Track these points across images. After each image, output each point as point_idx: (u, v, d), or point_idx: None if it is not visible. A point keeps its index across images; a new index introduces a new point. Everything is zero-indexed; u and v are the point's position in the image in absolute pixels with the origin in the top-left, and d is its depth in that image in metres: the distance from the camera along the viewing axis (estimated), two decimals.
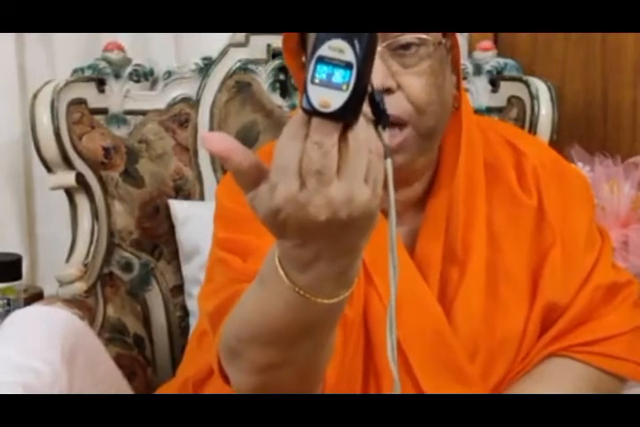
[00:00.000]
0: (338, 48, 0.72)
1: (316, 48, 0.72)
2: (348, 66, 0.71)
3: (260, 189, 0.76)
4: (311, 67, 0.72)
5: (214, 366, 1.04)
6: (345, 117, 0.72)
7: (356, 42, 0.71)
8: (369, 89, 0.75)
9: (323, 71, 0.72)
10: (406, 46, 1.05)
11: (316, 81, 0.72)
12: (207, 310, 1.08)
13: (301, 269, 0.80)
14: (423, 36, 1.05)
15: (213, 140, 0.75)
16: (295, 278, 0.81)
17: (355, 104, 0.72)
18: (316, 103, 0.72)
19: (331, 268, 0.79)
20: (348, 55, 0.71)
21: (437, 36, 1.07)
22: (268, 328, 0.88)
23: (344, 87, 0.71)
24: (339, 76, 0.71)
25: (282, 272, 0.81)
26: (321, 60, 0.72)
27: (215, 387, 1.19)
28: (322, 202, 0.73)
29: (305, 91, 0.72)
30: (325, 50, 0.72)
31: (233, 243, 1.11)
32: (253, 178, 0.76)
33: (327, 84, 0.71)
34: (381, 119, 0.79)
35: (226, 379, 1.03)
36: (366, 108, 0.77)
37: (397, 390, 0.90)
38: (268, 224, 0.77)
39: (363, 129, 0.74)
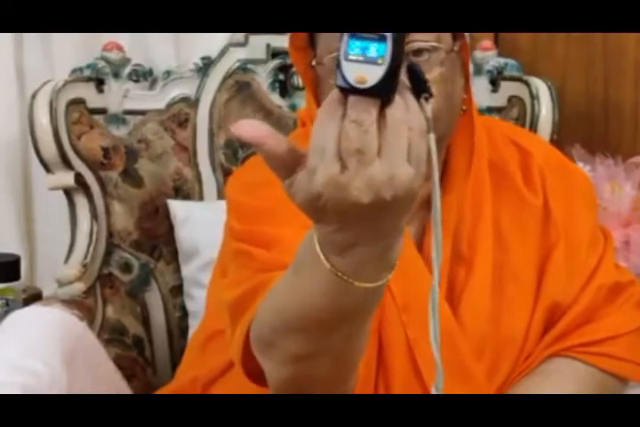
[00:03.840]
0: None
1: None
2: (382, 38, 0.70)
3: (297, 175, 0.74)
4: (343, 43, 0.70)
5: (236, 360, 1.03)
6: (383, 92, 0.70)
7: None
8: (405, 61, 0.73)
9: (356, 46, 0.70)
10: (418, 52, 1.05)
11: (350, 57, 0.70)
12: (227, 300, 1.06)
13: (341, 253, 0.78)
14: (435, 44, 1.05)
15: (244, 128, 0.73)
16: (335, 262, 0.79)
17: (392, 77, 0.70)
18: (352, 80, 0.70)
19: (371, 250, 0.78)
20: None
21: (449, 42, 1.07)
22: (305, 317, 0.87)
23: (380, 61, 0.69)
24: (373, 49, 0.70)
25: (322, 256, 0.79)
26: (354, 34, 0.70)
27: (224, 387, 1.20)
28: (364, 183, 0.71)
29: (339, 68, 0.70)
30: None
31: (252, 234, 1.09)
32: (289, 164, 0.74)
33: (362, 59, 0.70)
34: (423, 89, 0.76)
35: (248, 373, 1.02)
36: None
37: (439, 388, 0.89)
38: (308, 210, 0.75)
39: (400, 106, 0.72)
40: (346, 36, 0.70)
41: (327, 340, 0.89)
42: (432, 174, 0.79)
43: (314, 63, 1.10)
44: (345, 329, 0.88)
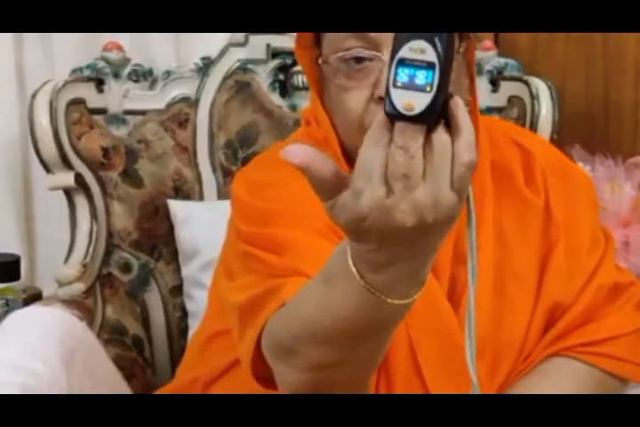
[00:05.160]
0: (419, 49, 0.71)
1: (395, 50, 0.72)
2: (430, 66, 0.71)
3: (341, 197, 0.75)
4: (392, 70, 0.71)
5: (245, 363, 1.03)
6: (430, 119, 0.72)
7: (437, 41, 0.71)
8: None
9: (404, 74, 0.71)
10: None
11: (399, 84, 0.71)
12: (236, 303, 1.06)
13: (376, 271, 0.79)
14: None
15: (293, 153, 0.74)
16: (369, 279, 0.80)
17: (439, 105, 0.71)
18: (400, 107, 0.71)
19: (406, 269, 0.79)
20: (430, 55, 0.71)
21: (455, 45, 1.07)
22: (333, 329, 0.87)
23: (427, 88, 0.71)
24: (421, 77, 0.71)
25: (356, 273, 0.80)
26: (402, 62, 0.71)
27: (225, 387, 1.21)
28: (409, 207, 0.73)
29: (387, 95, 0.72)
30: (406, 51, 0.71)
31: (260, 237, 1.09)
32: (333, 186, 0.76)
33: (410, 86, 0.71)
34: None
35: (256, 374, 1.02)
36: None
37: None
38: (350, 230, 0.77)
39: (445, 131, 0.73)
40: (394, 63, 0.72)
41: (353, 351, 0.89)
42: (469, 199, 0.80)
43: (320, 61, 1.10)
44: (372, 341, 0.89)
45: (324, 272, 0.86)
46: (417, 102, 0.71)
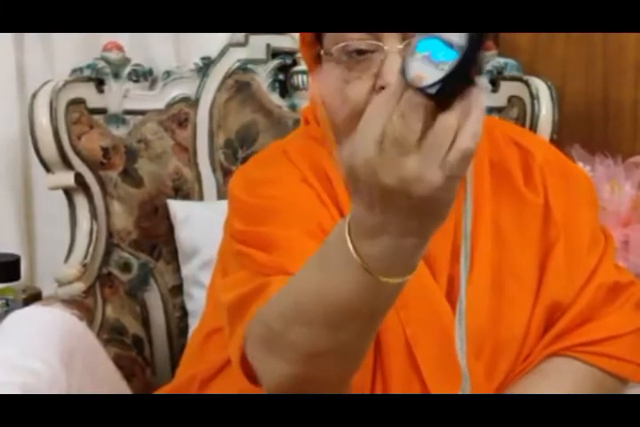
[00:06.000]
0: None
1: None
2: (452, 46, 0.72)
3: (346, 144, 0.79)
4: (416, 40, 0.73)
5: (235, 359, 1.03)
6: (435, 95, 0.73)
7: None
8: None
9: (426, 47, 0.73)
10: None
11: (417, 55, 0.73)
12: (226, 301, 1.06)
13: (369, 236, 0.81)
14: None
15: None
16: (362, 250, 0.82)
17: (448, 85, 0.72)
18: (410, 76, 0.73)
19: (396, 244, 0.81)
20: (460, 37, 0.72)
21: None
22: (325, 311, 0.88)
23: (442, 66, 0.72)
24: (441, 54, 0.72)
25: (350, 243, 0.82)
26: (429, 34, 0.73)
27: (223, 383, 1.21)
28: (393, 170, 0.75)
29: (405, 61, 0.74)
30: None
31: (254, 235, 1.09)
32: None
33: (427, 59, 0.72)
34: None
35: (246, 372, 1.02)
36: None
37: (467, 389, 0.89)
38: (349, 178, 0.79)
39: (455, 116, 0.74)
40: (422, 34, 0.73)
41: (343, 336, 0.90)
42: (467, 187, 0.81)
43: (322, 53, 1.10)
44: (362, 327, 0.90)
45: (319, 255, 0.88)
46: (427, 76, 0.72)
